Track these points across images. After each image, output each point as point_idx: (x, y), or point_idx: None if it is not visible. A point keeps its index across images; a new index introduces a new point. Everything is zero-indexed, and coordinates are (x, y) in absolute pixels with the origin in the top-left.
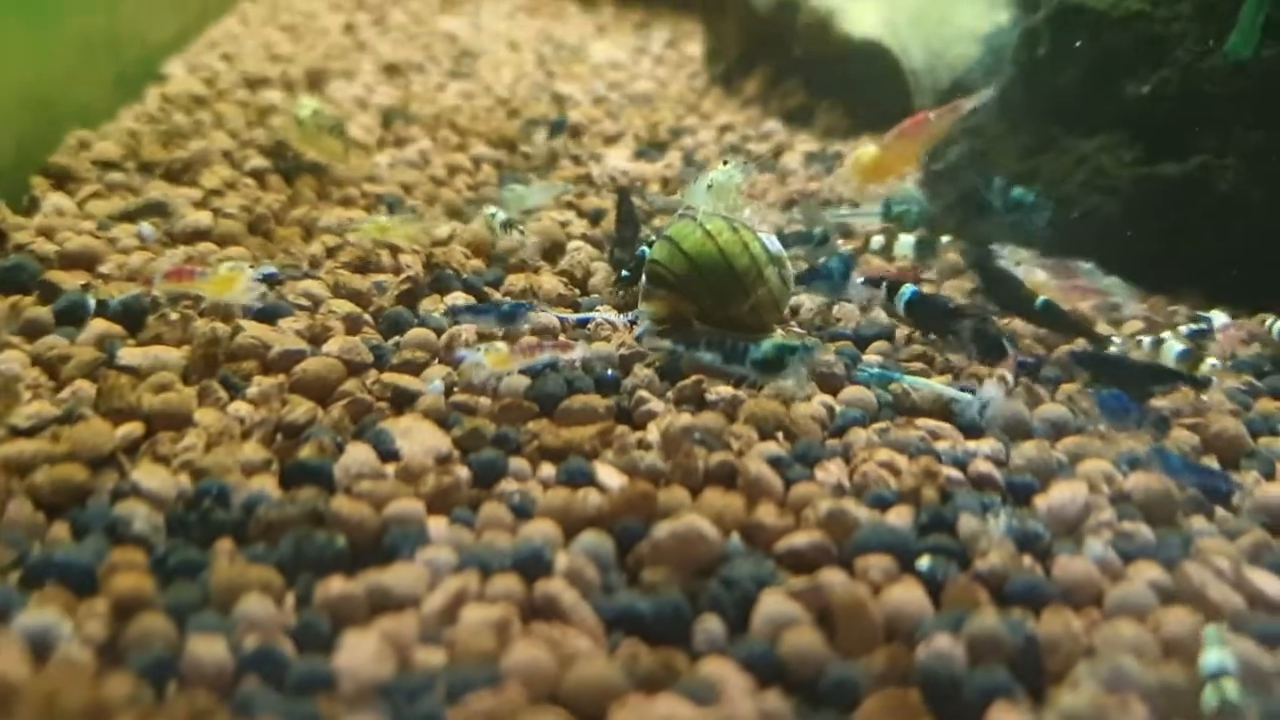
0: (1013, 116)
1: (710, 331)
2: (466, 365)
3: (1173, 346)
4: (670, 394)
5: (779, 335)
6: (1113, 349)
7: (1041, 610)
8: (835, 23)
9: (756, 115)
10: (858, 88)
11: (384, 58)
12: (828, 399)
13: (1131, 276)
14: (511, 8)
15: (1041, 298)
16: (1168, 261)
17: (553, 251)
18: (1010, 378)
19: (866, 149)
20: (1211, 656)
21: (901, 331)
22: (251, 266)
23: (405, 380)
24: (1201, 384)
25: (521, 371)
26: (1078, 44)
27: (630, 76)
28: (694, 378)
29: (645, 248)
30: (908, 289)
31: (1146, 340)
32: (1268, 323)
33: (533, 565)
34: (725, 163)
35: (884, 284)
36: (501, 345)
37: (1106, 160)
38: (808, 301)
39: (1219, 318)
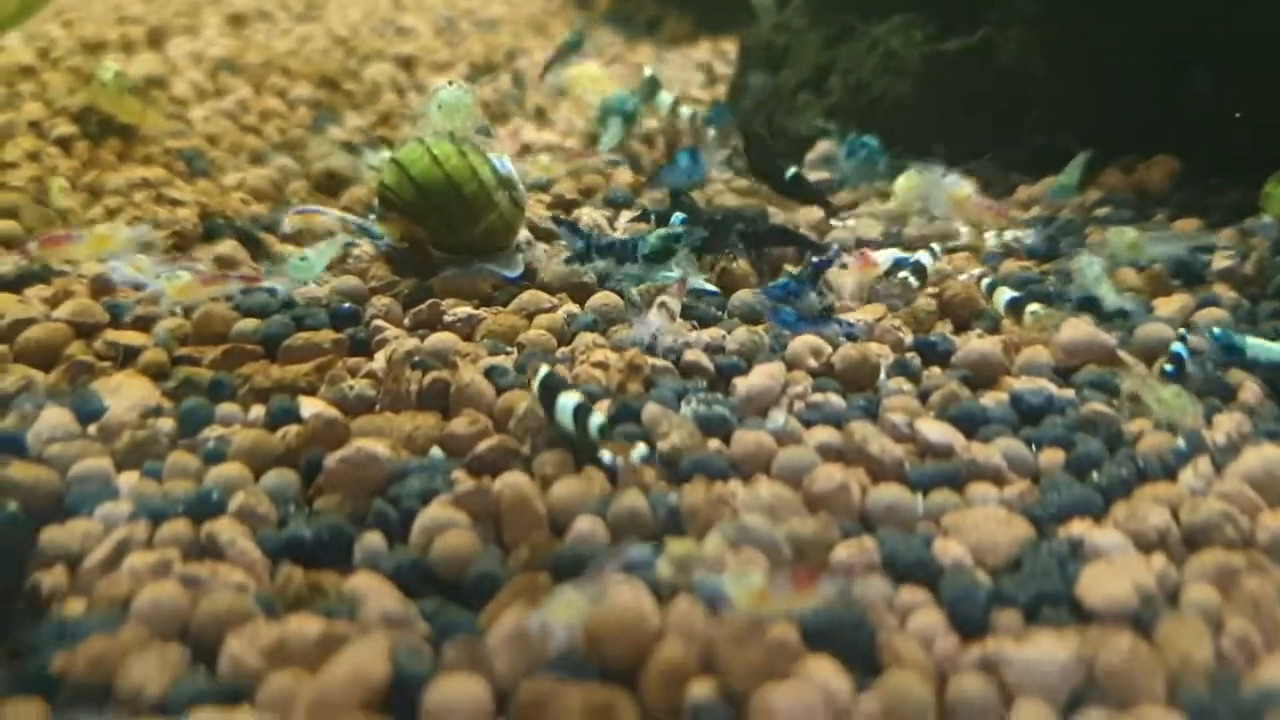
0: (814, 9)
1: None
2: (147, 294)
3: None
4: (407, 320)
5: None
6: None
7: (715, 480)
8: None
9: (603, 30)
10: None
11: (234, 9)
12: (574, 308)
13: (926, 154)
14: None
15: (791, 169)
16: (957, 136)
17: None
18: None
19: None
20: None
21: None
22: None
23: (131, 337)
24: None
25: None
26: None
27: (483, 3)
28: (429, 303)
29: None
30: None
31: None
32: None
33: (202, 509)
34: (451, 83)
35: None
36: (184, 274)
37: (897, 42)
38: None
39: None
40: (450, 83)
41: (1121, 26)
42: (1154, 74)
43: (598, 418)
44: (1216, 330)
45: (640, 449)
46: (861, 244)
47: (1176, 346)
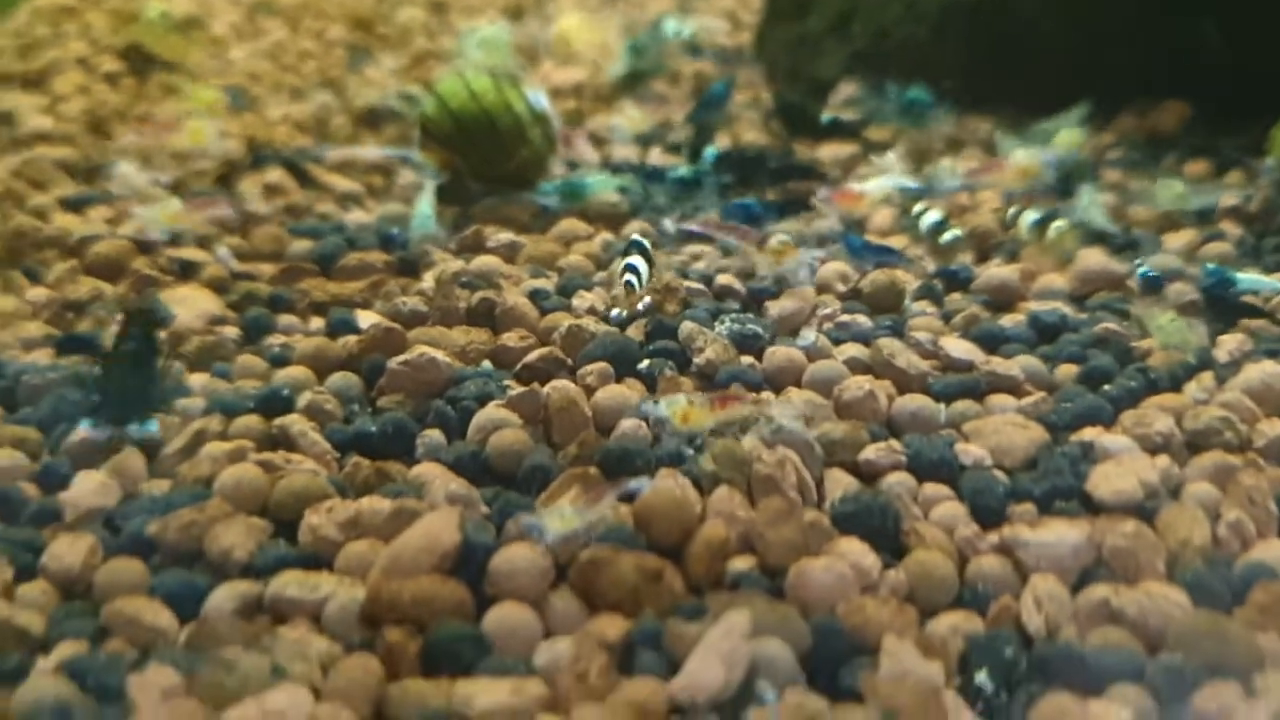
0: None
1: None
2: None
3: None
4: (453, 244)
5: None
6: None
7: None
8: None
9: None
10: None
11: None
12: (609, 236)
13: (943, 97)
14: None
15: (828, 116)
16: (973, 80)
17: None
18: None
19: None
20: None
21: None
22: None
23: (191, 254)
24: None
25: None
26: None
27: None
28: (473, 229)
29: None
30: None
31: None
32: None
33: (272, 405)
34: (491, 23)
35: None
36: (174, 201)
37: None
38: None
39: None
40: (490, 23)
41: None
42: (1165, 23)
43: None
44: (1210, 265)
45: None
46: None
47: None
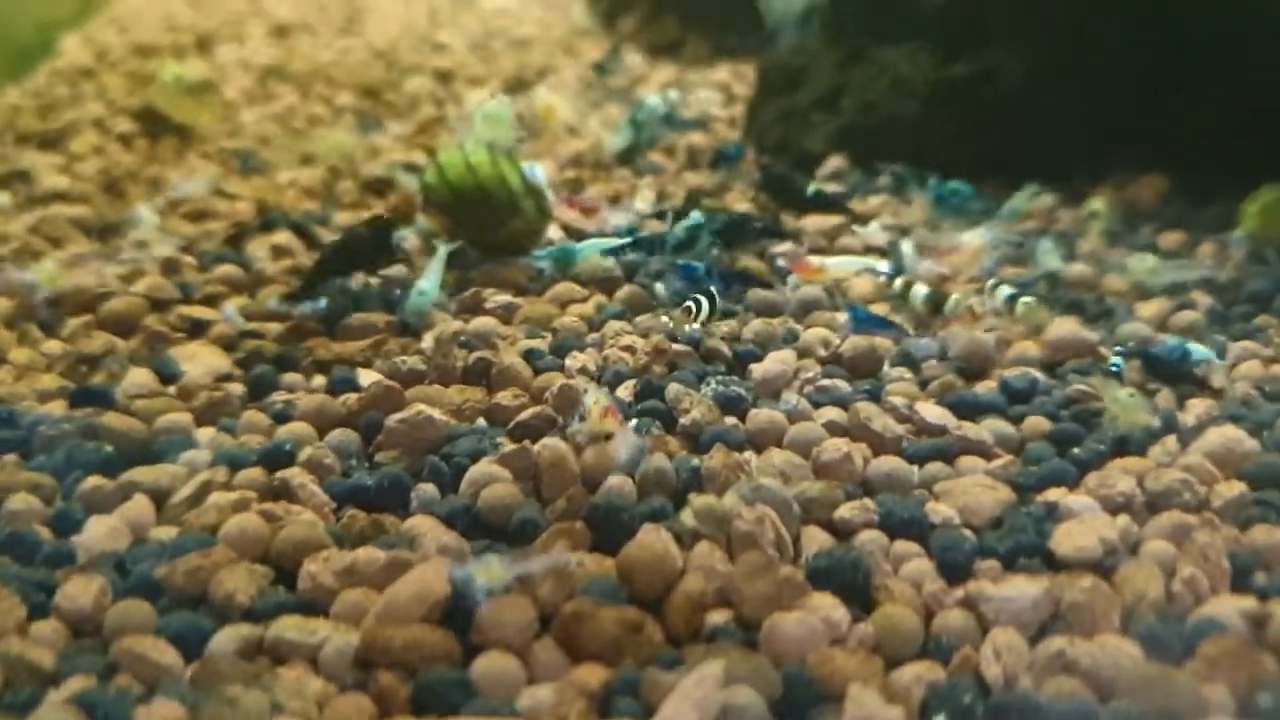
0: (830, 32)
1: None
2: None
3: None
4: (452, 305)
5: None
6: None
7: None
8: None
9: (628, 50)
10: (725, 20)
11: (277, 20)
12: (603, 299)
13: (929, 167)
14: None
15: (812, 188)
16: (958, 153)
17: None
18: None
19: None
20: None
21: None
22: None
23: (201, 312)
24: None
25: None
26: None
27: (516, 21)
28: (472, 290)
29: None
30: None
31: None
32: None
33: (275, 459)
34: (492, 96)
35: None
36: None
37: (906, 67)
38: None
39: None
40: (492, 96)
41: (1116, 55)
42: (1146, 98)
43: None
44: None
45: None
46: (800, 255)
47: (1115, 360)
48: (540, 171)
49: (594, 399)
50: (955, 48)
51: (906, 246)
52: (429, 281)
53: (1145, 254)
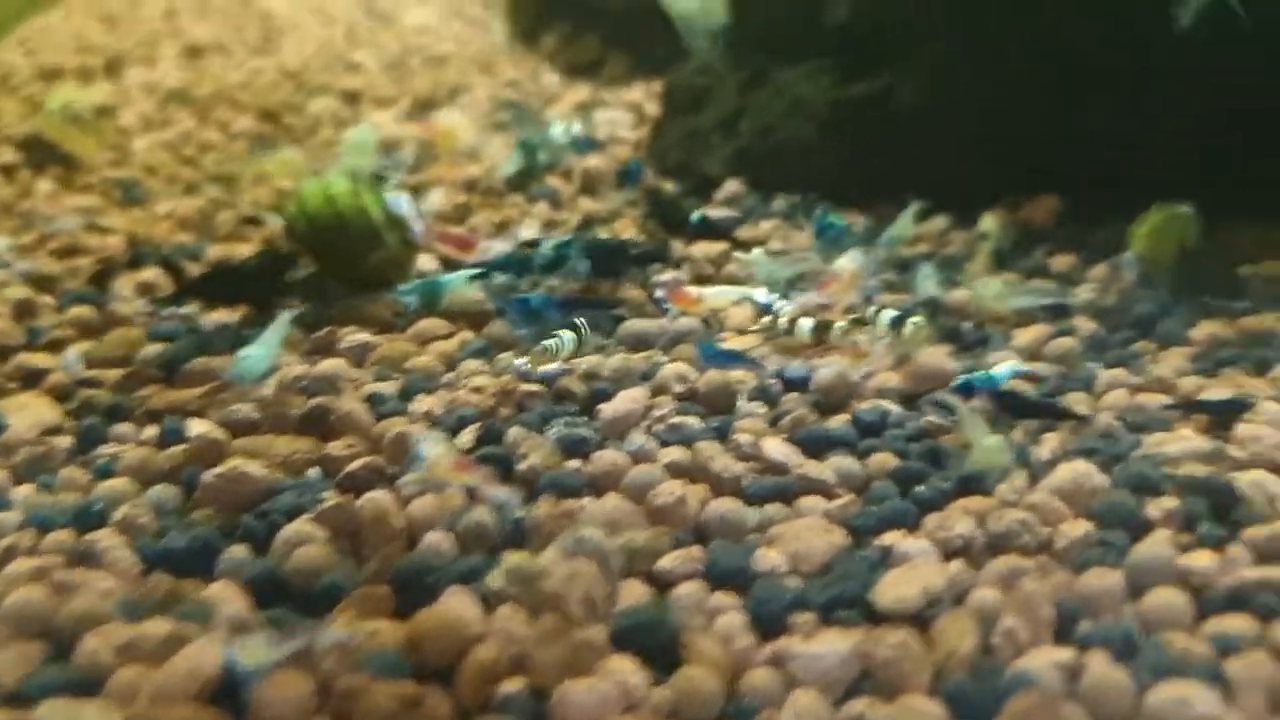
0: (734, 54)
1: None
2: None
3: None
4: (306, 345)
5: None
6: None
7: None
8: None
9: (545, 69)
10: (645, 39)
11: (191, 41)
12: (470, 335)
13: (826, 191)
14: None
15: (697, 214)
16: (851, 177)
17: None
18: None
19: None
20: None
21: None
22: None
23: (41, 359)
24: None
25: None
26: None
27: (436, 39)
28: (327, 329)
29: None
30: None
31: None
32: None
33: (87, 519)
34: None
35: None
36: None
37: (805, 88)
38: None
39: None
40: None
41: (1013, 76)
42: (1041, 119)
43: None
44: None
45: None
46: (680, 284)
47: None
48: (405, 202)
49: (433, 448)
50: (855, 68)
51: (776, 273)
52: (261, 347)
53: (990, 278)
